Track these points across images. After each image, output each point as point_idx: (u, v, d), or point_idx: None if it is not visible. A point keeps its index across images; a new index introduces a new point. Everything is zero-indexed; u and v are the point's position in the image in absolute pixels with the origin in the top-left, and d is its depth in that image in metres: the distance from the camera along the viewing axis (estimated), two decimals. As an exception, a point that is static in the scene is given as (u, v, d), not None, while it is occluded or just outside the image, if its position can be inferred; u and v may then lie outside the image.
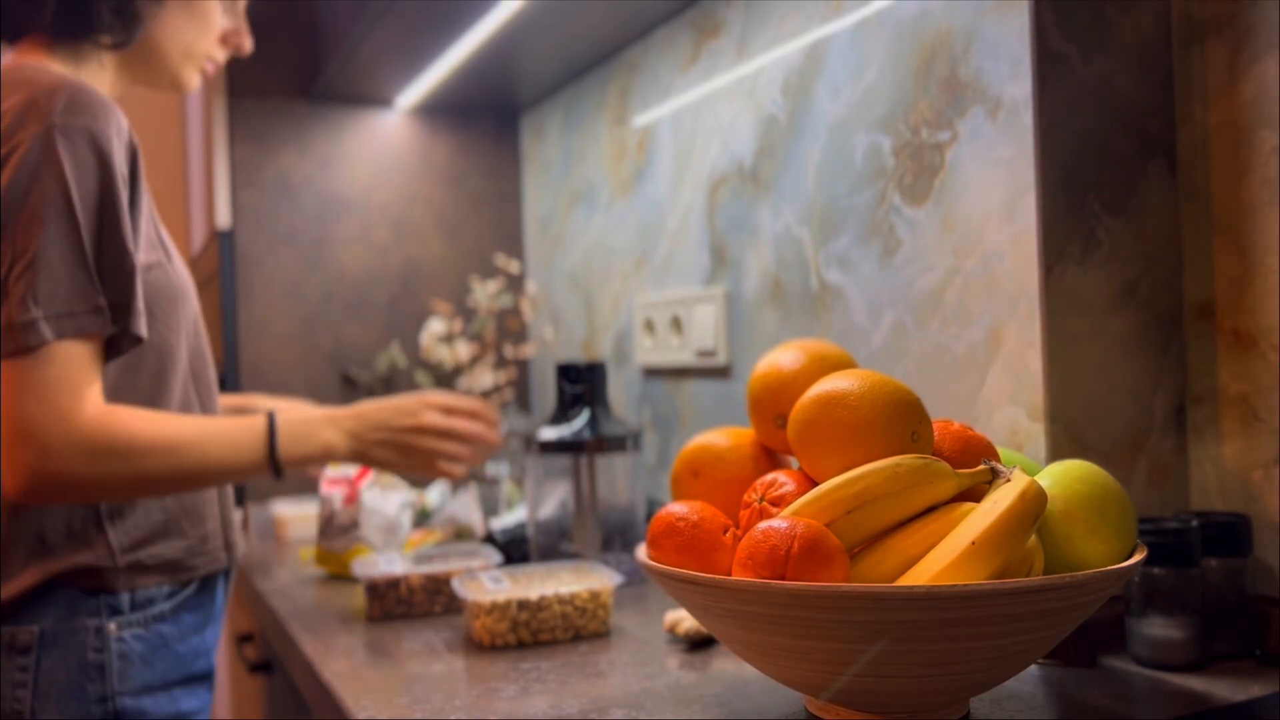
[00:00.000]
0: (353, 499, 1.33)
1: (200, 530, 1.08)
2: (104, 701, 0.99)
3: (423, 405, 1.11)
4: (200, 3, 1.11)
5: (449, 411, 1.12)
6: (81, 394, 0.93)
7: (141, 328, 0.97)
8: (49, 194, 0.92)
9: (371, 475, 1.38)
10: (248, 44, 1.19)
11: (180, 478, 0.99)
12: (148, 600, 1.04)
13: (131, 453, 0.95)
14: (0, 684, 0.97)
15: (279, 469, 1.04)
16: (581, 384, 1.24)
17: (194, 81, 1.16)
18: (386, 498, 1.36)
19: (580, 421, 1.23)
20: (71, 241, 0.93)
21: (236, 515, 1.17)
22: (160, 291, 1.04)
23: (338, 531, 1.32)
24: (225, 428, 1.02)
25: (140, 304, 0.97)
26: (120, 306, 0.95)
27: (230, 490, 1.15)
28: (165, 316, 1.05)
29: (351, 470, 1.38)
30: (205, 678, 1.11)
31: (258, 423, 1.03)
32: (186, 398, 1.08)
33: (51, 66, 1.04)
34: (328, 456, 1.08)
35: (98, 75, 1.09)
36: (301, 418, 1.07)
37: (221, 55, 1.17)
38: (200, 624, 1.10)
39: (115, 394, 1.01)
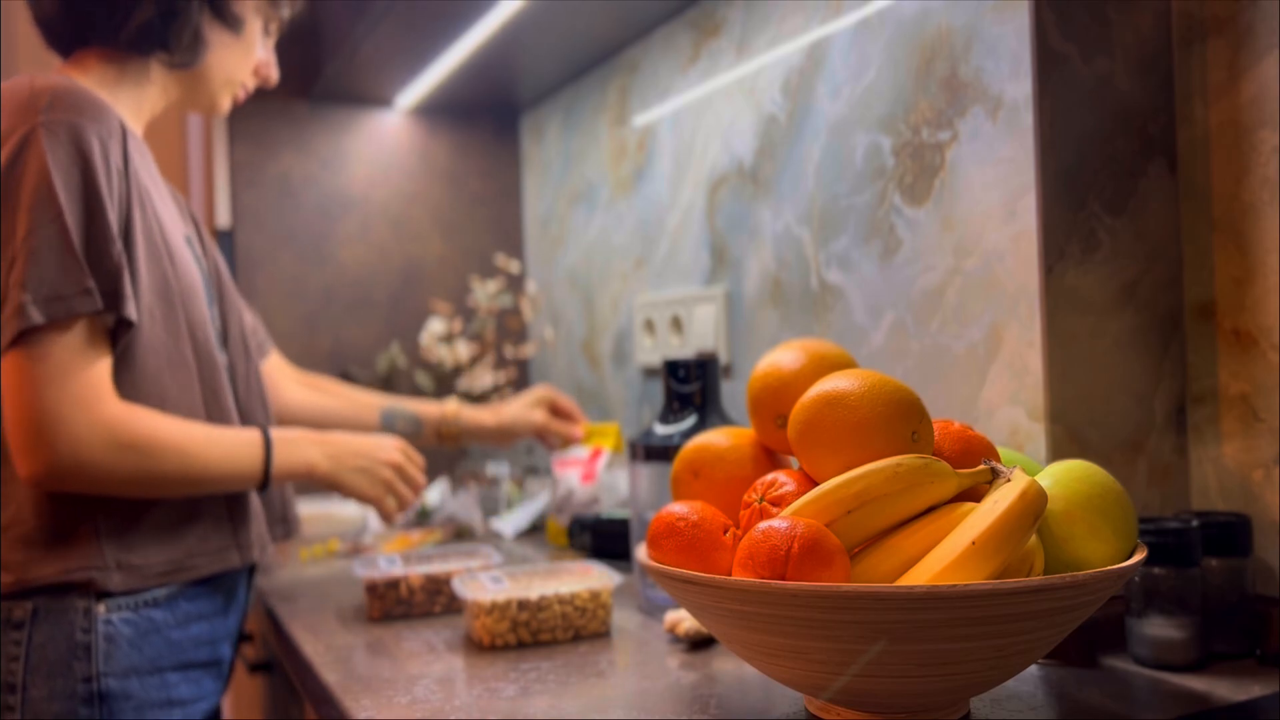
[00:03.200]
0: (591, 476, 1.43)
1: (200, 531, 1.08)
2: (89, 681, 1.01)
3: (394, 446, 1.23)
4: (248, 34, 1.19)
5: (409, 458, 1.24)
6: (98, 383, 0.98)
7: (131, 311, 0.99)
8: (33, 186, 0.96)
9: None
10: (275, 75, 1.27)
11: (185, 480, 1.04)
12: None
13: (150, 450, 1.00)
14: None
15: (268, 482, 1.10)
16: (691, 384, 1.10)
17: (227, 106, 1.24)
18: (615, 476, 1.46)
19: (684, 426, 1.08)
20: (57, 228, 0.96)
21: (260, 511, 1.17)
22: (157, 294, 1.05)
23: (575, 509, 1.43)
24: (228, 436, 1.07)
25: (128, 289, 0.99)
26: (109, 293, 0.98)
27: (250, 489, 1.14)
28: (164, 319, 1.05)
29: (584, 451, 1.49)
30: (209, 666, 1.12)
31: (255, 436, 1.09)
32: (191, 404, 1.08)
33: (88, 79, 1.09)
34: (309, 474, 1.14)
35: (140, 92, 1.14)
36: (289, 435, 1.13)
37: (252, 84, 1.25)
38: (208, 612, 1.10)
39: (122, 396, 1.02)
